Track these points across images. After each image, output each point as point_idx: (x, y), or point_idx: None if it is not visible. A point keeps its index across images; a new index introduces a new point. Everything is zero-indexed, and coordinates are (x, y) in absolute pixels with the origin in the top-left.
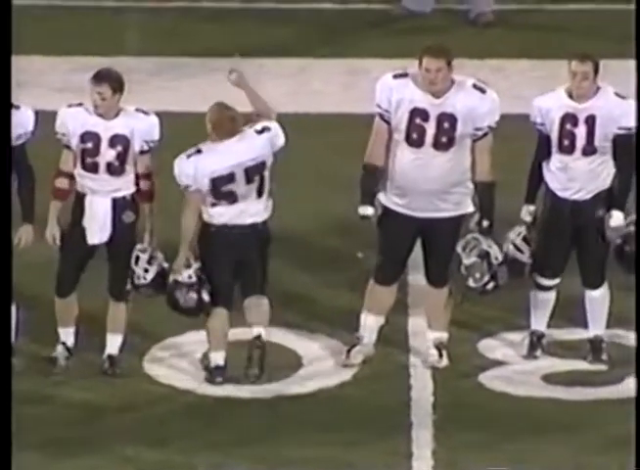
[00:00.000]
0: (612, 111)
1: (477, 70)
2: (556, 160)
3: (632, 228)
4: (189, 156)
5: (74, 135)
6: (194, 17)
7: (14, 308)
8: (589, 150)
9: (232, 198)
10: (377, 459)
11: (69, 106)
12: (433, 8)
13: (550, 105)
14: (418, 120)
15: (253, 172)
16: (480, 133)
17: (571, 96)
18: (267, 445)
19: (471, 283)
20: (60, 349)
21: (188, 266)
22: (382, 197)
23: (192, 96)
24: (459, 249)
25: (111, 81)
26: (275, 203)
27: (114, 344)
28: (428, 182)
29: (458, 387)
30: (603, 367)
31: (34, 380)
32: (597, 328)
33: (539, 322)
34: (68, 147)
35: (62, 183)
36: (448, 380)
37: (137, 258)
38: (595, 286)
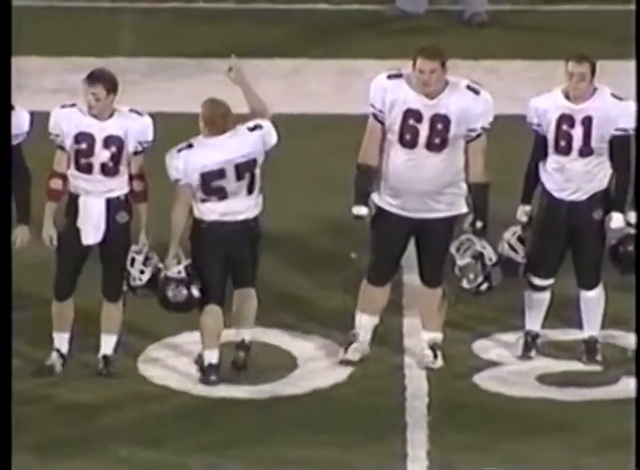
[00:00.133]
0: (608, 112)
1: (470, 71)
2: (552, 160)
3: (627, 229)
4: (180, 150)
5: (68, 136)
6: (188, 17)
7: None
8: (586, 151)
9: (222, 194)
10: (372, 460)
11: (63, 106)
12: (426, 9)
13: (547, 105)
14: (411, 121)
15: (244, 169)
16: (473, 134)
17: (567, 97)
18: (262, 445)
19: (464, 284)
20: (54, 356)
21: (178, 262)
22: (375, 197)
23: (186, 97)
24: (453, 250)
25: (105, 82)
26: (269, 203)
27: (108, 344)
28: (421, 183)
29: (453, 387)
30: (597, 368)
31: (29, 381)
32: (592, 329)
33: (534, 323)
34: (61, 148)
35: (56, 184)
36: (443, 381)
37: (132, 259)
38: (590, 287)
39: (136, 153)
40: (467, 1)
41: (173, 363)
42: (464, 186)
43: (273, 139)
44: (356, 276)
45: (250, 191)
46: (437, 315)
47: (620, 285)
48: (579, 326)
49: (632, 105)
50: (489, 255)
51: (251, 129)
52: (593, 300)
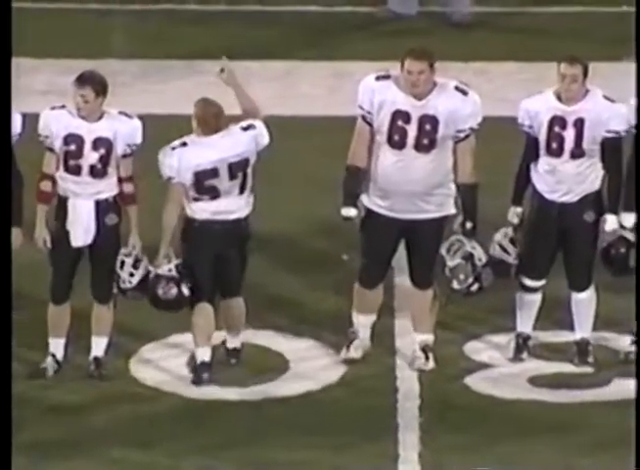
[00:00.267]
0: (600, 114)
1: (461, 73)
2: (544, 162)
3: (618, 231)
4: (174, 148)
5: (57, 137)
6: (179, 19)
7: None
8: (577, 153)
9: (214, 193)
10: (363, 462)
11: (52, 108)
12: (417, 11)
13: (538, 107)
14: (400, 122)
15: (237, 169)
16: (461, 135)
17: (559, 98)
18: (254, 447)
19: (455, 285)
20: (49, 360)
21: (169, 261)
22: (364, 199)
23: (177, 98)
24: (443, 251)
25: (94, 84)
26: (261, 204)
27: (99, 346)
28: (410, 184)
29: (444, 389)
30: (589, 370)
31: (22, 383)
32: (583, 330)
33: (525, 324)
34: (51, 149)
35: (46, 186)
36: (434, 382)
37: (122, 262)
38: (581, 288)
39: (125, 155)
40: (451, 2)
41: (165, 365)
42: (453, 187)
43: (265, 139)
44: (348, 278)
45: (241, 191)
46: (429, 317)
47: (612, 287)
48: (571, 328)
49: (624, 107)
50: (479, 255)
51: (245, 129)
52: (584, 301)
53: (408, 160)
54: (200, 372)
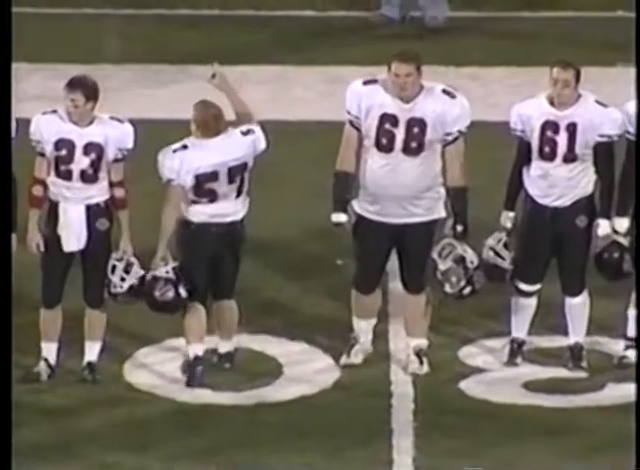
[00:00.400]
0: (593, 118)
1: (454, 78)
2: (536, 167)
3: (611, 236)
4: (175, 150)
5: (48, 142)
6: (172, 24)
7: None
8: (570, 157)
9: (212, 196)
10: (357, 466)
11: (44, 113)
12: (411, 15)
13: (530, 112)
14: (387, 126)
15: (236, 173)
16: (450, 138)
17: (552, 103)
18: (247, 452)
19: (447, 288)
20: (42, 365)
21: (166, 263)
22: (355, 204)
23: (171, 103)
24: (434, 255)
25: (84, 89)
26: (255, 210)
27: (92, 351)
28: (398, 187)
29: (439, 394)
30: (583, 374)
31: (15, 387)
32: (577, 335)
33: (520, 329)
34: (42, 154)
35: (37, 191)
36: (429, 387)
37: (114, 267)
38: (575, 293)
39: (116, 160)
40: (426, 7)
41: (159, 369)
42: (442, 191)
43: (263, 145)
44: (342, 282)
45: (238, 194)
46: (422, 321)
47: (606, 291)
48: (565, 333)
49: (616, 111)
50: (471, 258)
51: (245, 134)
52: (578, 306)
53: (396, 163)
54: (193, 366)
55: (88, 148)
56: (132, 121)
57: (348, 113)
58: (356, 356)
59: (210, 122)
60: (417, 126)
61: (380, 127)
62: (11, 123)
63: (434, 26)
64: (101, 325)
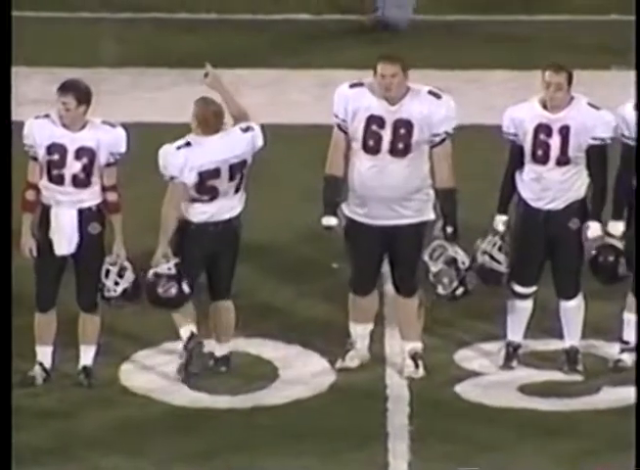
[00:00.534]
0: (585, 121)
1: (451, 81)
2: (529, 170)
3: (606, 240)
4: (179, 147)
5: (41, 147)
6: (170, 28)
7: None
8: (563, 160)
9: (214, 193)
10: None
11: (37, 117)
12: (408, 19)
13: (523, 115)
14: (374, 127)
15: (237, 170)
16: (437, 139)
17: (544, 106)
18: (243, 455)
19: (440, 290)
20: (37, 369)
21: (167, 260)
22: (344, 208)
23: (168, 107)
24: (426, 257)
25: (76, 92)
26: (250, 213)
27: (87, 355)
28: (386, 189)
29: (434, 397)
30: (579, 378)
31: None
32: (572, 338)
33: (516, 333)
34: (35, 158)
35: (30, 195)
36: (424, 390)
37: (107, 271)
38: (569, 297)
39: (109, 164)
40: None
41: (155, 373)
42: (431, 193)
43: (260, 142)
44: (338, 286)
45: (236, 191)
46: (416, 325)
47: (601, 294)
48: (560, 336)
49: (609, 114)
50: (462, 259)
51: (244, 130)
52: (573, 310)
53: (383, 165)
54: (189, 343)
55: (80, 152)
56: (130, 125)
57: (336, 116)
58: (352, 361)
59: (211, 119)
60: (403, 128)
61: (367, 129)
62: (11, 127)
63: (397, 28)
64: (95, 329)
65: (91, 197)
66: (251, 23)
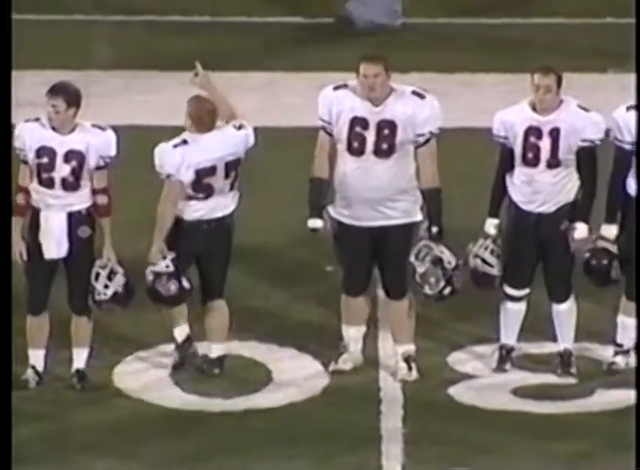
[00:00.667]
0: (575, 123)
1: (446, 84)
2: (520, 173)
3: (600, 243)
4: (175, 145)
5: (31, 150)
6: (163, 30)
7: None
8: (553, 163)
9: (209, 191)
10: None
11: (27, 121)
12: (402, 22)
13: (513, 118)
14: (358, 129)
15: (231, 167)
16: (421, 139)
17: (534, 109)
18: (237, 458)
19: (427, 290)
20: (30, 372)
21: (164, 257)
22: (331, 210)
23: (161, 109)
24: (412, 258)
25: (65, 95)
26: (243, 216)
27: (80, 358)
28: (370, 190)
29: (428, 400)
30: (572, 380)
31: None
32: (566, 341)
33: (509, 336)
34: (25, 162)
35: (20, 199)
36: (418, 393)
37: (97, 274)
38: (561, 300)
39: (98, 168)
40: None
41: (148, 376)
42: (418, 194)
43: (252, 140)
44: (331, 289)
45: (231, 189)
46: (407, 327)
47: (594, 297)
48: (554, 339)
49: (598, 116)
50: (448, 259)
51: (238, 128)
52: (565, 313)
53: (368, 166)
54: (183, 344)
55: (69, 155)
56: (121, 128)
57: (321, 119)
58: (345, 364)
59: (205, 117)
60: (387, 128)
61: (351, 131)
62: (11, 129)
63: (364, 30)
64: (87, 332)
65: (81, 200)
66: (244, 25)
